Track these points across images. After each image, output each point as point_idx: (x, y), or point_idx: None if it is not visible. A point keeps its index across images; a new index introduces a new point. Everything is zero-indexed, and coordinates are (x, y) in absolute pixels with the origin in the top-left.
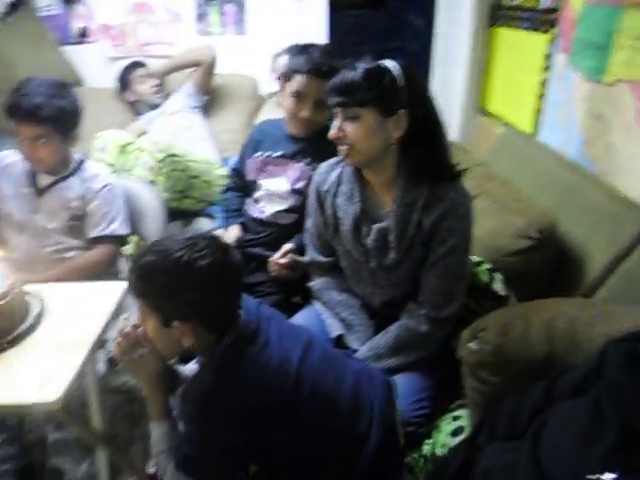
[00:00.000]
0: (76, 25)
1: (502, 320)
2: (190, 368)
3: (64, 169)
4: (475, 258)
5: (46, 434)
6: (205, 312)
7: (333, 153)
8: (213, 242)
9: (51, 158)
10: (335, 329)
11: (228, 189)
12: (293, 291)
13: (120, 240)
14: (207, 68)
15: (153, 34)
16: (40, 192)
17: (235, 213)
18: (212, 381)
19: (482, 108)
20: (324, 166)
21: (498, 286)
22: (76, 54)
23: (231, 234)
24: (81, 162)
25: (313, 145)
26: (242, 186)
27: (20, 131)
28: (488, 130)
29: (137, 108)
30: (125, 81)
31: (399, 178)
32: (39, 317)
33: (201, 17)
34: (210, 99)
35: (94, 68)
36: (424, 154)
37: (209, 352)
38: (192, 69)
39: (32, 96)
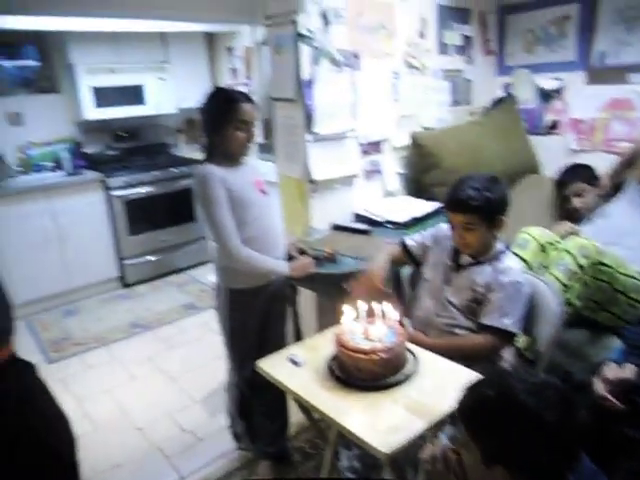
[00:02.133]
0: (548, 118)
1: None
2: None
3: (483, 254)
4: None
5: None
6: (535, 467)
7: None
8: (565, 398)
9: (476, 243)
10: None
11: None
12: None
13: (508, 336)
14: None
15: (625, 130)
16: (457, 268)
17: (638, 351)
18: None
19: None
20: None
21: None
22: (540, 144)
23: (625, 373)
24: (500, 252)
25: None
26: None
27: (452, 218)
28: None
29: (573, 216)
30: (562, 192)
31: None
32: (409, 376)
33: None
34: None
35: (554, 158)
36: None
37: None
38: None
39: (465, 190)
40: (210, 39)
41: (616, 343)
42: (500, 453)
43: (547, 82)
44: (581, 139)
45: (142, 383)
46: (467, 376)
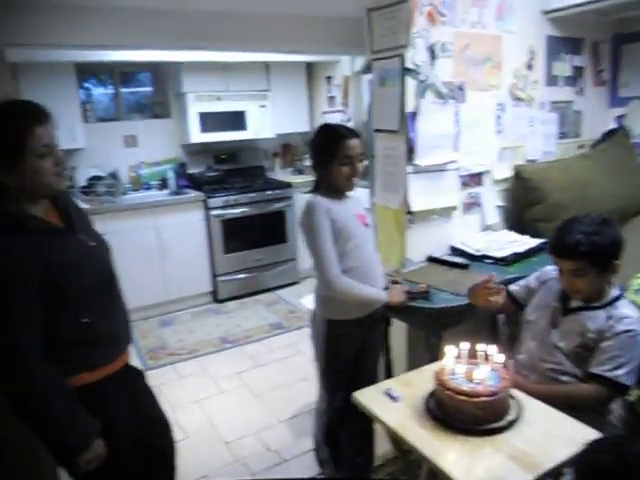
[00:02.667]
0: None
1: None
2: None
3: (596, 300)
4: None
5: None
6: None
7: None
8: None
9: (586, 290)
10: None
11: None
12: None
13: (620, 388)
14: None
15: None
16: (565, 312)
17: None
18: None
19: None
20: None
21: None
22: None
23: None
24: (615, 299)
25: None
26: None
27: (560, 264)
28: None
29: None
30: None
31: None
32: (512, 423)
33: None
34: None
35: None
36: None
37: None
38: None
39: (572, 234)
40: (310, 68)
41: None
42: None
43: None
44: None
45: (230, 398)
46: (576, 427)
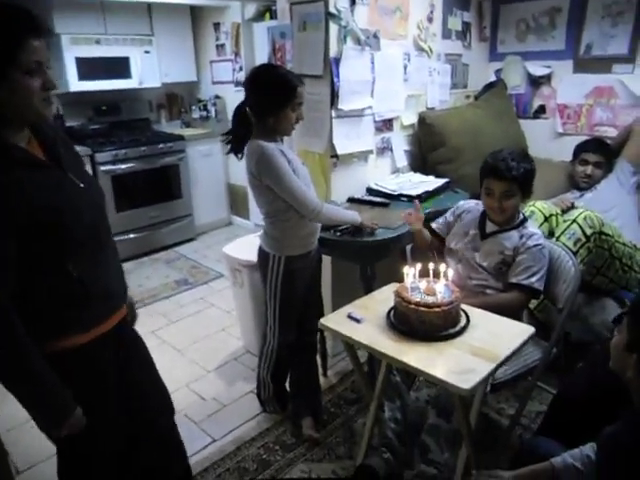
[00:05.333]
0: (536, 103)
1: None
2: None
3: (510, 222)
4: None
5: (427, 416)
6: None
7: None
8: None
9: (511, 210)
10: None
11: None
12: None
13: (533, 293)
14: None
15: (607, 116)
16: (484, 236)
17: None
18: None
19: None
20: None
21: None
22: (529, 127)
23: None
24: (524, 220)
25: None
26: None
27: (493, 185)
28: None
29: (573, 183)
30: (574, 158)
31: None
32: (465, 328)
33: None
34: None
35: (540, 140)
36: None
37: None
38: None
39: (507, 161)
40: (195, 13)
41: (607, 303)
42: None
43: (536, 69)
44: (566, 123)
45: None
46: (513, 325)
